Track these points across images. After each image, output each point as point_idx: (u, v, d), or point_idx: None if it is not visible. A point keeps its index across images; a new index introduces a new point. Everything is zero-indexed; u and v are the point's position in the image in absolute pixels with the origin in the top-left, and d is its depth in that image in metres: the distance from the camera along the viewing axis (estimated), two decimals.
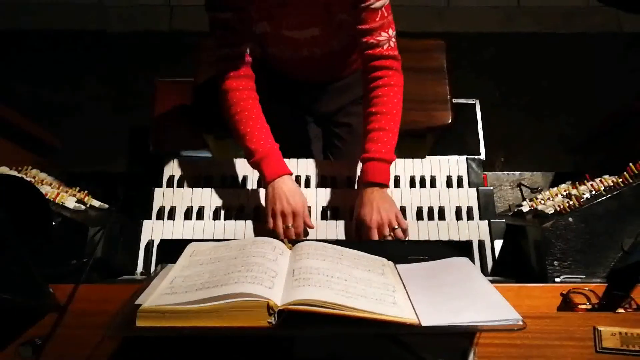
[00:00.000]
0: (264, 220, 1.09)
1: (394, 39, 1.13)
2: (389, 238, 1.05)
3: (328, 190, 1.20)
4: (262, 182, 1.13)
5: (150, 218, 1.14)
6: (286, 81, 1.41)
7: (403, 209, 1.16)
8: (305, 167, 1.25)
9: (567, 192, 1.05)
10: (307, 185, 1.23)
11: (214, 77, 1.56)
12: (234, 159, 1.27)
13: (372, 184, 1.09)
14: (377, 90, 1.13)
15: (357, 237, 1.08)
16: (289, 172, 1.13)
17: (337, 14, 1.15)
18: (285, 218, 1.07)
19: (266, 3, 1.11)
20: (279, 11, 1.13)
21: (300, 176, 1.24)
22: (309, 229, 1.11)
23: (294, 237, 1.07)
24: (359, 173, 1.24)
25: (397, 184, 1.24)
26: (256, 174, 1.25)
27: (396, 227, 1.06)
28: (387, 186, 1.11)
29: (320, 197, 1.18)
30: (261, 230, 1.10)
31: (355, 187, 1.22)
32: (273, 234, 1.07)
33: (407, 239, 1.07)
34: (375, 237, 1.05)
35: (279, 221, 1.07)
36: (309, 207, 1.15)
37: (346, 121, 1.44)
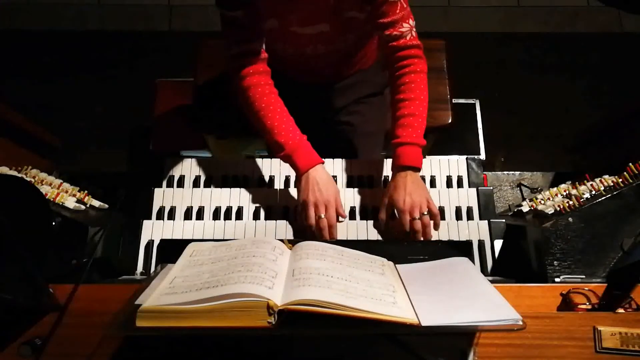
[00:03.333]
0: (300, 211, 1.10)
1: (414, 29, 1.15)
2: (418, 223, 1.05)
3: None
4: (296, 173, 1.14)
5: (150, 218, 1.14)
6: (287, 81, 1.41)
7: None
8: None
9: (567, 192, 1.05)
10: None
11: (214, 77, 1.58)
12: (235, 159, 1.27)
13: (405, 167, 1.10)
14: (404, 77, 1.15)
15: (385, 220, 1.09)
16: (321, 161, 1.14)
17: (347, 11, 1.15)
18: (317, 208, 1.08)
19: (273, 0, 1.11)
20: (287, 7, 1.13)
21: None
22: (341, 218, 1.11)
23: (327, 229, 1.07)
24: (360, 172, 1.25)
25: None
26: (256, 173, 1.25)
27: (425, 212, 1.06)
28: (419, 170, 1.12)
29: None
30: (298, 226, 1.10)
31: (357, 187, 1.22)
32: (304, 227, 1.08)
33: (438, 228, 1.08)
34: (407, 219, 1.05)
35: (311, 211, 1.08)
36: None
37: (348, 120, 1.44)
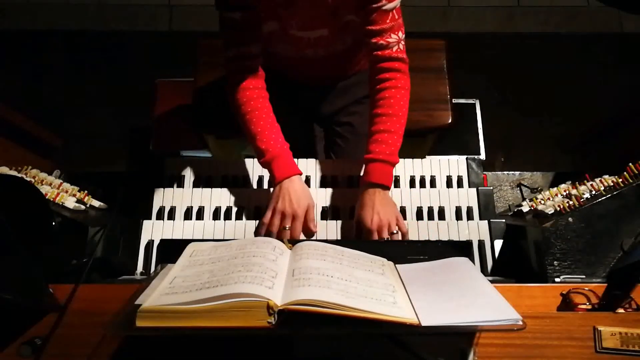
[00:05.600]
0: (263, 215, 1.09)
1: (403, 42, 1.13)
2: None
3: (329, 190, 1.20)
4: (272, 181, 1.14)
5: (150, 218, 1.14)
6: (287, 82, 1.42)
7: (403, 209, 1.16)
8: (306, 166, 1.25)
9: (567, 192, 1.05)
10: (308, 185, 1.23)
11: (214, 77, 1.58)
12: (235, 159, 1.27)
13: (374, 185, 1.09)
14: (384, 92, 1.13)
15: (357, 238, 1.08)
16: (299, 172, 1.14)
17: (344, 15, 1.15)
18: (284, 219, 1.07)
19: (274, 2, 1.11)
20: (287, 11, 1.13)
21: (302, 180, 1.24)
22: (310, 232, 1.10)
23: (288, 239, 1.06)
24: (360, 172, 1.24)
25: (397, 184, 1.23)
26: (256, 174, 1.25)
27: (395, 232, 1.06)
28: (388, 188, 1.11)
29: (320, 196, 1.18)
30: (258, 229, 1.09)
31: (357, 187, 1.22)
32: (267, 234, 1.08)
33: (407, 239, 1.07)
34: (375, 239, 1.05)
35: (277, 220, 1.07)
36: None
37: (348, 120, 1.44)
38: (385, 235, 1.05)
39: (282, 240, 0.87)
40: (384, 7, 1.08)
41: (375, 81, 1.15)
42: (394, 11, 1.10)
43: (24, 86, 2.49)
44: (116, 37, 2.64)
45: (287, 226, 1.07)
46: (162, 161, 1.26)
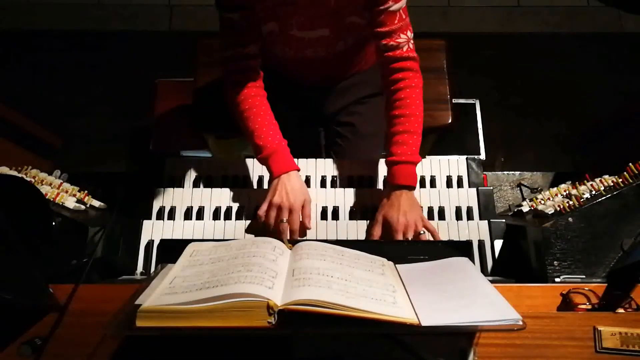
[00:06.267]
0: (263, 211, 1.09)
1: (412, 41, 1.14)
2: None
3: (329, 189, 1.20)
4: (270, 177, 1.14)
5: (150, 218, 1.14)
6: (287, 82, 1.42)
7: None
8: (306, 166, 1.25)
9: (567, 192, 1.05)
10: (308, 185, 1.23)
11: (214, 77, 1.58)
12: (235, 159, 1.27)
13: (399, 186, 1.09)
14: (399, 93, 1.14)
15: (371, 236, 1.08)
16: (297, 168, 1.14)
17: (346, 16, 1.15)
18: (280, 212, 1.08)
19: (273, 2, 1.11)
20: (287, 11, 1.13)
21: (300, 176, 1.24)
22: (307, 230, 1.10)
23: (287, 233, 1.07)
24: (360, 172, 1.25)
25: None
26: (256, 173, 1.25)
27: (422, 232, 1.06)
28: (414, 188, 1.11)
29: (320, 196, 1.18)
30: (255, 224, 1.10)
31: (357, 187, 1.22)
32: (264, 227, 1.08)
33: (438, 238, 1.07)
34: (400, 238, 1.05)
35: (273, 212, 1.08)
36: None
37: (349, 120, 1.45)
38: (410, 236, 1.06)
39: (282, 240, 0.87)
40: (391, 9, 1.08)
41: (390, 82, 1.15)
42: (401, 11, 1.10)
43: (24, 86, 2.49)
44: (116, 37, 2.64)
45: (285, 219, 1.07)
46: (162, 161, 1.26)
